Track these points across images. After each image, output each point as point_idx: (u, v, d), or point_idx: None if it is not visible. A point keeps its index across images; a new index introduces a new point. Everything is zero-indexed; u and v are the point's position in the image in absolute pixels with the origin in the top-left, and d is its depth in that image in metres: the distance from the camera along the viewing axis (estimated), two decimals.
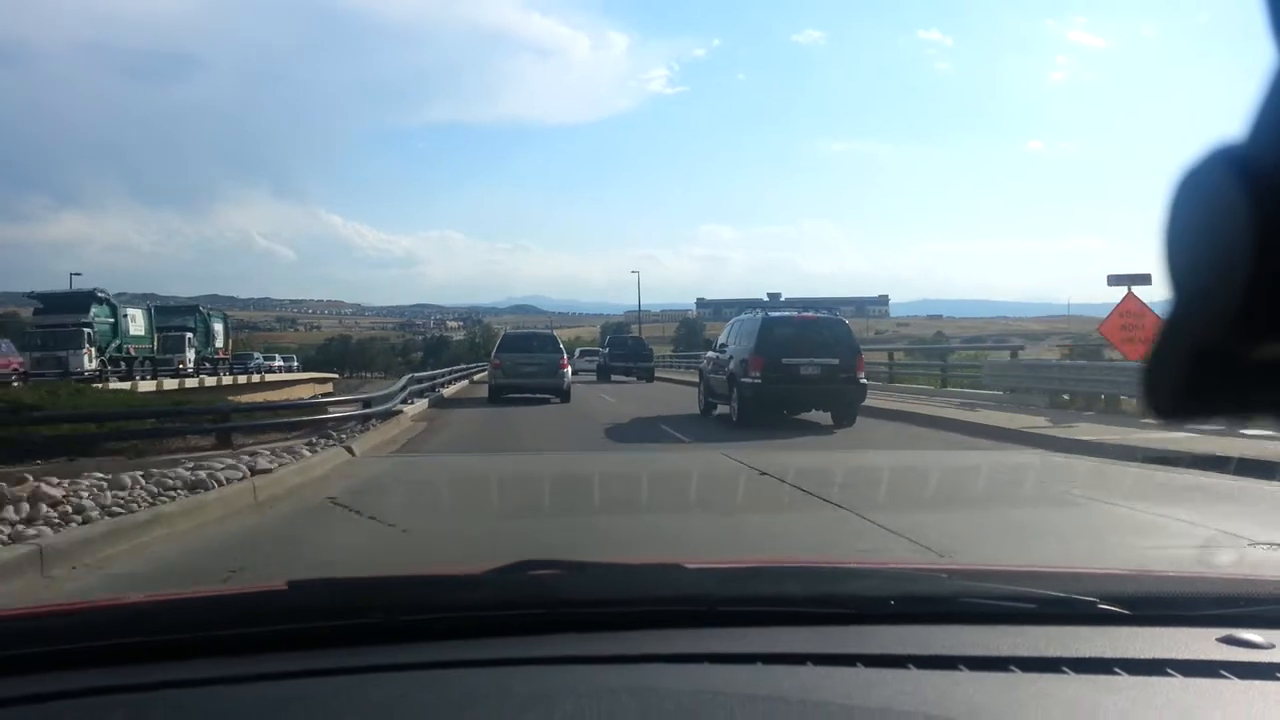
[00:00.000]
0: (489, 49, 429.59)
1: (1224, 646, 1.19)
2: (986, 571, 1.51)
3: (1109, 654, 1.16)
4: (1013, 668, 1.12)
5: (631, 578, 1.52)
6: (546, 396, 18.77)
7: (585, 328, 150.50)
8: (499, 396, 19.13)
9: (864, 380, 13.62)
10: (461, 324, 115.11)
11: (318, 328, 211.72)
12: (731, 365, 13.74)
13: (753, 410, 13.13)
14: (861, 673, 1.12)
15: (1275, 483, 7.22)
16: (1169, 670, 1.11)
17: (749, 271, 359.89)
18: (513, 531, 5.53)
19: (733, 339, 14.44)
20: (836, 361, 13.17)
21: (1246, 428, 8.75)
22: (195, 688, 1.10)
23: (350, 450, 10.08)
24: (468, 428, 14.04)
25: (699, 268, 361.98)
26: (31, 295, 34.88)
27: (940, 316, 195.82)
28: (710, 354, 16.04)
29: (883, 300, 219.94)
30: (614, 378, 29.00)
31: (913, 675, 1.11)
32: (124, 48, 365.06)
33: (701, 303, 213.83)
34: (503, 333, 24.11)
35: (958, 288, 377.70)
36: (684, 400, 17.55)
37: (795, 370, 13.06)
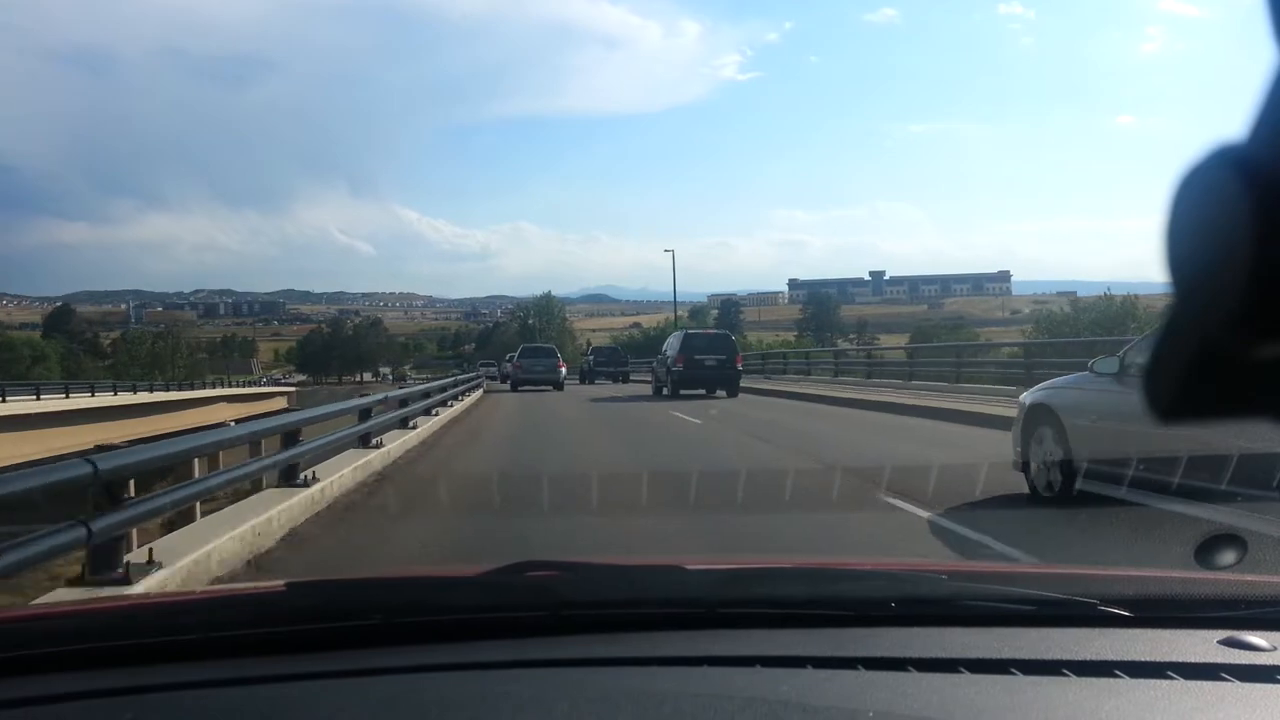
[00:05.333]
0: (559, 42, 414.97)
1: (1225, 649, 1.19)
2: (987, 573, 1.57)
3: (1110, 656, 1.17)
4: (1013, 670, 1.13)
5: (630, 579, 1.53)
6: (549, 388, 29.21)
7: (664, 314, 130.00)
8: (516, 387, 29.33)
9: (740, 368, 23.73)
10: (525, 311, 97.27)
11: (379, 320, 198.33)
12: (668, 362, 23.89)
13: (677, 386, 22.87)
14: (862, 675, 1.13)
15: None
16: (1170, 673, 1.12)
17: (827, 254, 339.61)
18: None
19: (669, 347, 24.71)
20: (725, 357, 23.17)
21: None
22: (192, 690, 1.11)
23: None
24: None
25: (775, 252, 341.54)
26: None
27: (1074, 294, 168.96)
28: (658, 357, 26.20)
29: (1003, 276, 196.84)
30: (597, 380, 37.33)
31: (913, 678, 1.12)
32: (201, 53, 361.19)
33: (794, 284, 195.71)
34: (521, 346, 36.51)
35: (1045, 268, 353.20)
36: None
37: (702, 362, 22.97)
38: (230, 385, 56.26)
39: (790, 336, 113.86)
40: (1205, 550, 1.65)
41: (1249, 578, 1.53)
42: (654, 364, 26.95)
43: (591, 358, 41.18)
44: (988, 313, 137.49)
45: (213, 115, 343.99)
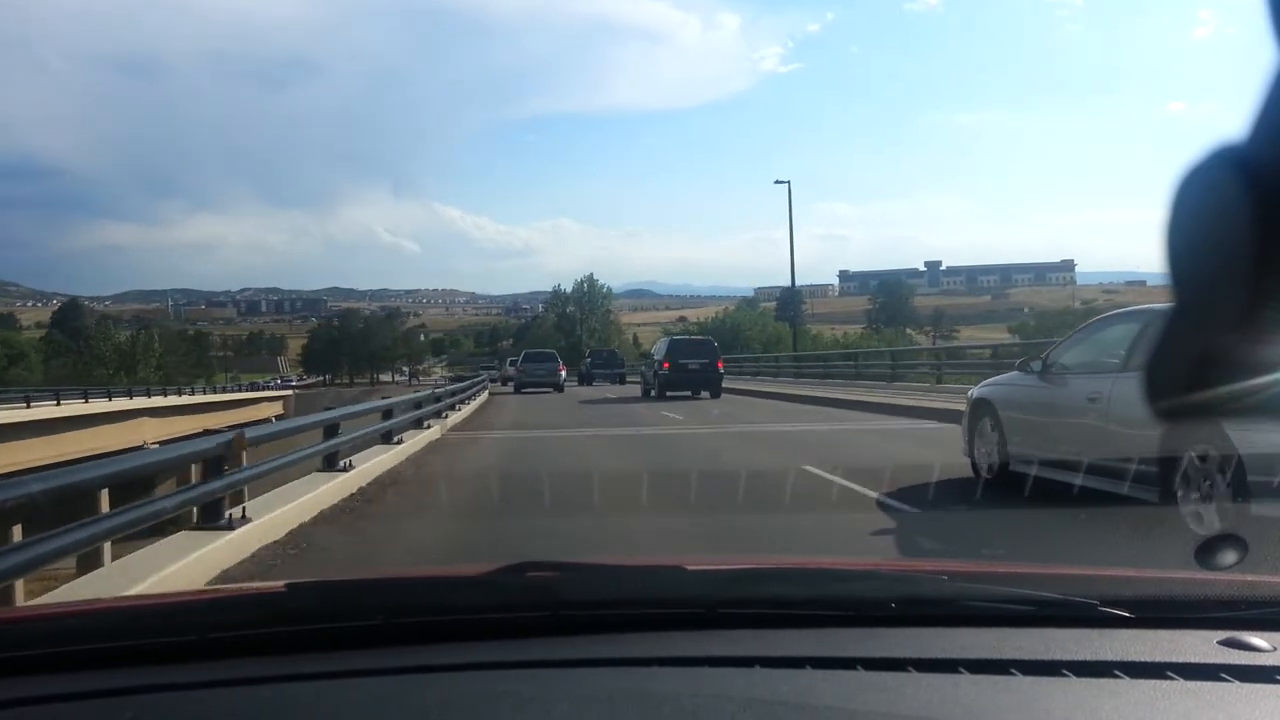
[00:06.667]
0: (598, 38, 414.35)
1: (1225, 649, 1.18)
2: (987, 573, 1.55)
3: (1109, 656, 1.16)
4: (1013, 670, 1.13)
5: (631, 579, 1.54)
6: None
7: (709, 308, 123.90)
8: (520, 389, 32.20)
9: (722, 370, 25.97)
10: (564, 300, 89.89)
11: (418, 315, 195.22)
12: (655, 365, 26.32)
13: (663, 388, 25.05)
14: (861, 675, 1.13)
15: None
16: (1169, 673, 1.11)
17: (871, 248, 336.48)
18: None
19: (657, 351, 27.38)
20: (707, 360, 25.30)
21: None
22: (192, 690, 1.12)
23: None
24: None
25: (819, 246, 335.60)
26: None
27: (1143, 284, 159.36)
28: (646, 361, 29.60)
29: (1067, 266, 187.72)
30: (595, 382, 40.89)
31: (913, 678, 1.11)
32: (244, 55, 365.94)
33: (845, 275, 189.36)
34: (523, 352, 39.97)
35: (1095, 258, 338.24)
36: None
37: (686, 365, 25.08)
38: (226, 390, 52.23)
39: (851, 329, 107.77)
40: (1205, 550, 1.61)
41: (1249, 578, 1.51)
42: (642, 368, 30.25)
43: (590, 360, 45.76)
44: (1056, 302, 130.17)
45: (259, 117, 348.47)
